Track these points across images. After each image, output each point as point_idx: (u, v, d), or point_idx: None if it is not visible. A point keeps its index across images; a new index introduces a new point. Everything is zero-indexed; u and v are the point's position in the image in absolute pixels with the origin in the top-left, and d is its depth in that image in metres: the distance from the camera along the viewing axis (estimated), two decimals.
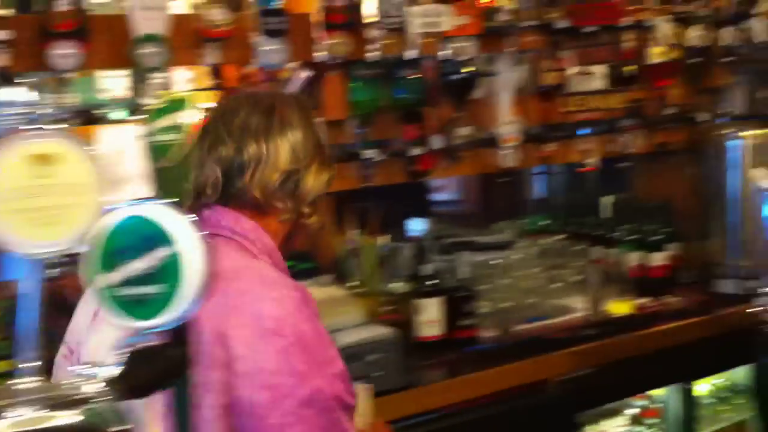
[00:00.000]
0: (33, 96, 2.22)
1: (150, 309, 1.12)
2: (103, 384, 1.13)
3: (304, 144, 1.56)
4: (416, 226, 3.09)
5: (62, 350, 1.72)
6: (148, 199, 1.16)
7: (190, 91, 2.11)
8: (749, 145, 3.47)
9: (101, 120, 2.21)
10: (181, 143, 2.01)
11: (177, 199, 1.68)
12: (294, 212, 1.57)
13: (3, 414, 1.05)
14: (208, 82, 2.52)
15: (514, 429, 2.91)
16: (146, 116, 2.12)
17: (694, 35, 3.34)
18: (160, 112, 2.09)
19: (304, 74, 2.67)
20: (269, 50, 2.39)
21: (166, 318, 1.12)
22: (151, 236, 1.12)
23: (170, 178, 1.99)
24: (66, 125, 2.20)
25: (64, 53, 2.15)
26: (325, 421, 1.41)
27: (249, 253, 1.53)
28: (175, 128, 2.04)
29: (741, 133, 3.50)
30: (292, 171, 1.55)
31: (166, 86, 2.24)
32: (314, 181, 1.57)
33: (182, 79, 2.72)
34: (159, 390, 1.31)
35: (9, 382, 1.14)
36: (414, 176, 2.89)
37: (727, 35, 3.40)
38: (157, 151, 2.05)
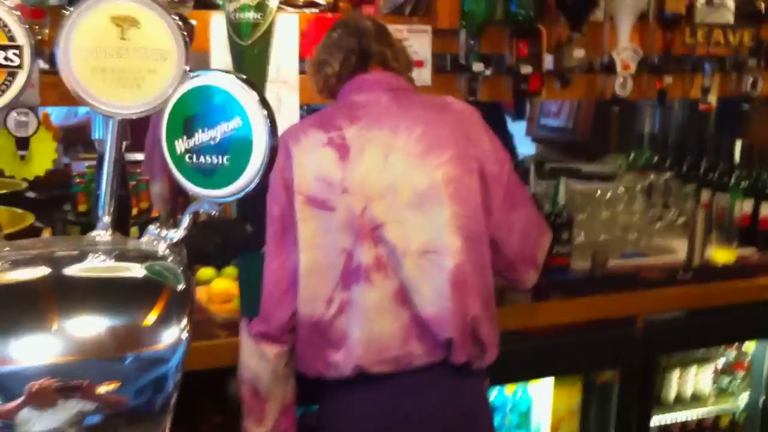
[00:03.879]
0: None
1: (218, 179, 1.15)
2: (169, 246, 1.17)
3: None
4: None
5: (299, 198, 1.98)
6: (225, 72, 1.16)
7: None
8: None
9: (217, 6, 2.22)
10: (262, 23, 2.04)
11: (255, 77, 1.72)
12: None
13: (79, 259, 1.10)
14: None
15: (596, 360, 2.89)
16: None
17: None
18: None
19: None
20: None
21: (232, 189, 1.14)
22: (224, 108, 1.13)
23: (249, 56, 2.03)
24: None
25: None
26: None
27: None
28: (257, 7, 2.06)
29: None
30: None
31: None
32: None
33: None
34: (223, 260, 1.36)
35: (89, 233, 1.20)
36: (522, 95, 2.81)
37: None
38: (237, 28, 2.08)
